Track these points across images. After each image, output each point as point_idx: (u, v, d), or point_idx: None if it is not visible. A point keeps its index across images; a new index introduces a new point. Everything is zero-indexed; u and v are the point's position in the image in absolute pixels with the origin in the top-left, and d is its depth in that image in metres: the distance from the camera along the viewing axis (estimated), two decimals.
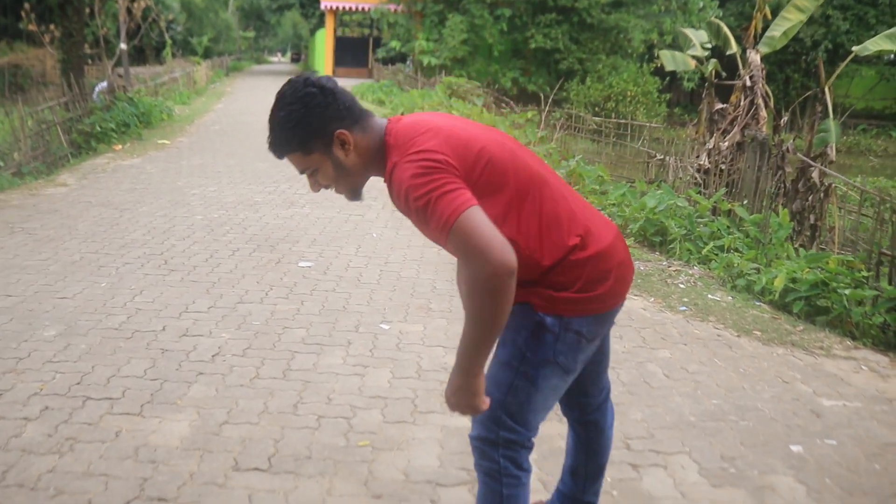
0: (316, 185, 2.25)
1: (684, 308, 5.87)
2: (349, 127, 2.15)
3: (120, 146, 14.10)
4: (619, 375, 4.52)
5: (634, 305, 5.86)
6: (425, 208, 1.98)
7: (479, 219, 1.94)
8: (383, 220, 8.43)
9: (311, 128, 2.11)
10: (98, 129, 14.74)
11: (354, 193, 2.29)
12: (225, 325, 5.03)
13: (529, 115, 16.05)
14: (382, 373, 4.39)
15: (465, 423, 3.78)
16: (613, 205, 9.20)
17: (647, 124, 14.21)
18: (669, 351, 4.97)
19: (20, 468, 3.26)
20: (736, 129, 9.84)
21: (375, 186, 9.80)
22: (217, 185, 10.26)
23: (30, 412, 3.77)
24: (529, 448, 2.34)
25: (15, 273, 5.98)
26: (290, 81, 2.16)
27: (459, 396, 2.11)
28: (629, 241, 7.96)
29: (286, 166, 9.11)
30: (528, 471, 2.34)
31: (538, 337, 2.22)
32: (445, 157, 2.04)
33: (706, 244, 7.47)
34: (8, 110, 14.74)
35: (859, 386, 4.60)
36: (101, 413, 3.78)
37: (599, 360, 2.57)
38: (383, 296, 5.78)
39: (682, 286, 6.45)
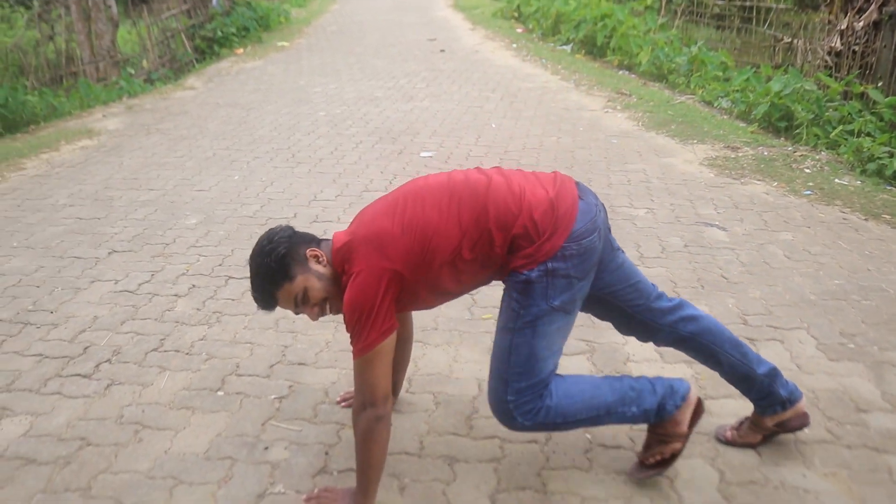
0: (314, 312, 2.44)
1: (809, 192, 5.75)
2: (316, 245, 2.44)
3: (241, 50, 14.46)
4: (739, 256, 4.53)
5: (756, 190, 5.78)
6: (353, 330, 2.27)
7: (380, 360, 2.26)
8: (502, 111, 8.48)
9: (285, 257, 2.36)
10: (220, 34, 15.14)
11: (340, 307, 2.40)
12: (352, 211, 5.26)
13: (648, 1, 15.48)
14: None
15: None
16: (737, 90, 8.94)
17: (774, 6, 13.49)
18: (792, 234, 4.92)
19: (175, 336, 3.60)
20: (872, 6, 9.29)
21: (493, 79, 9.82)
22: (337, 82, 10.48)
23: (179, 290, 4.12)
24: (542, 392, 2.39)
25: (154, 169, 6.38)
26: (257, 242, 2.45)
27: (347, 502, 2.42)
28: (752, 127, 7.78)
29: (403, 62, 9.27)
30: (545, 399, 2.40)
31: (528, 293, 2.31)
32: (379, 265, 2.26)
33: (835, 128, 7.21)
34: (134, 21, 15.29)
35: None
36: (243, 290, 4.09)
37: (624, 277, 2.56)
38: None
39: (807, 171, 6.30)
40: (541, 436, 2.82)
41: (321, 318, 2.51)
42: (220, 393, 3.12)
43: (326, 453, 2.73)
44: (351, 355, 2.29)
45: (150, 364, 3.35)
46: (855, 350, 3.47)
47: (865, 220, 5.21)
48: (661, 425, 2.50)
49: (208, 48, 14.86)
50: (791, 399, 2.64)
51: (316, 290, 2.38)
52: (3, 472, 2.65)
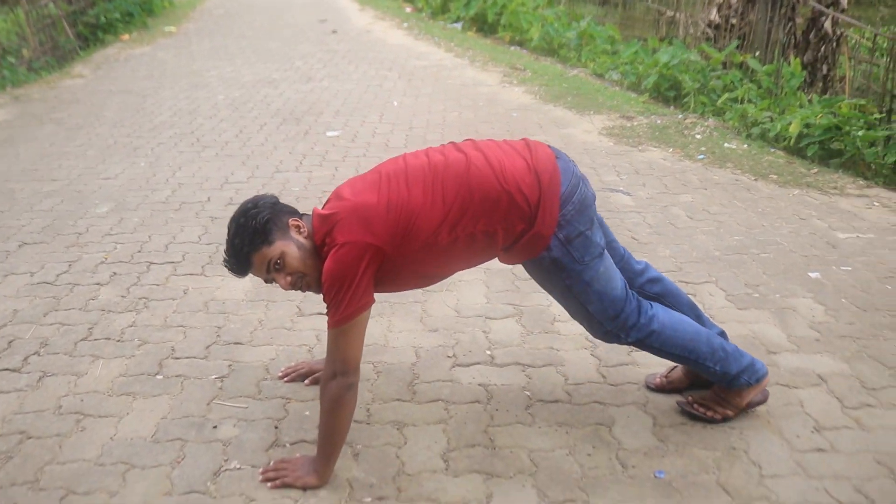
0: (286, 281, 2.45)
1: (702, 156, 6.06)
2: (298, 217, 2.48)
3: (127, 36, 14.03)
4: (646, 218, 4.77)
5: (654, 156, 6.06)
6: (330, 302, 2.33)
7: (355, 332, 2.34)
8: (401, 89, 8.56)
9: (268, 222, 2.38)
10: (103, 19, 14.62)
11: (318, 283, 2.46)
12: (266, 192, 5.25)
13: None
14: None
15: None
16: (626, 63, 9.27)
17: None
18: (691, 195, 5.20)
19: (103, 325, 3.57)
20: None
21: (388, 58, 9.86)
22: (232, 66, 10.33)
23: (100, 278, 4.06)
24: (636, 308, 2.61)
25: (55, 159, 6.21)
26: (240, 206, 2.47)
27: (304, 478, 2.47)
28: (643, 98, 8.10)
29: (297, 44, 9.25)
30: (648, 313, 2.62)
31: (560, 266, 2.47)
32: (361, 239, 2.31)
33: (720, 96, 7.59)
34: (11, 7, 14.62)
35: (872, 220, 4.83)
36: (167, 275, 4.07)
37: (603, 233, 2.68)
38: None
39: (698, 136, 6.62)
40: (482, 395, 2.95)
41: (284, 291, 2.56)
42: (158, 377, 3.12)
43: (276, 427, 2.79)
44: (286, 330, 2.37)
45: (82, 353, 3.32)
46: (760, 299, 3.74)
47: (755, 180, 5.54)
48: (728, 390, 2.73)
49: (92, 35, 14.33)
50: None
51: (292, 258, 2.40)
52: None
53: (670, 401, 2.90)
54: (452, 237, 2.39)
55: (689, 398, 2.83)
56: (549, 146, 2.55)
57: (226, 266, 2.48)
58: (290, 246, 2.40)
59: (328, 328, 2.36)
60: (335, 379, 2.36)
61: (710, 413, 2.76)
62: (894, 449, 2.62)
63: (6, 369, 3.20)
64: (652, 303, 2.69)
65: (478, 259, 2.56)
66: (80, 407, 2.93)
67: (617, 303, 2.56)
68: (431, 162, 2.45)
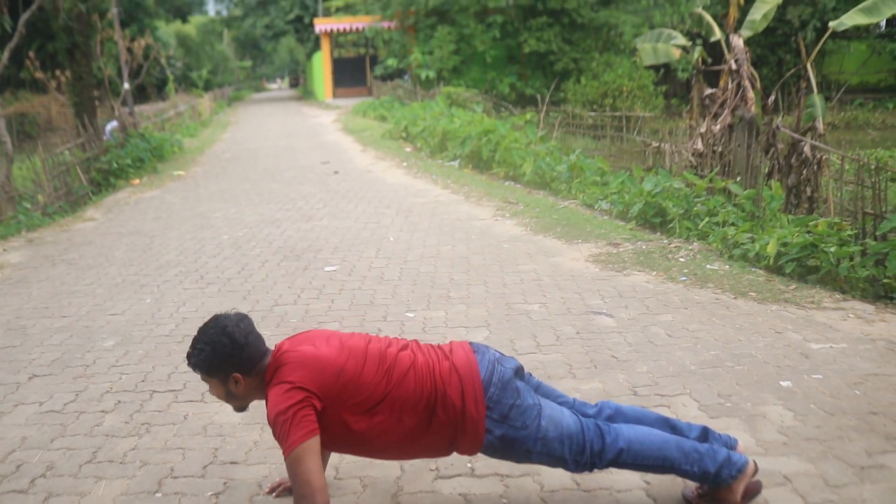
0: (214, 394, 2.91)
1: (684, 278, 6.33)
2: (245, 372, 2.80)
3: (138, 180, 14.66)
4: (626, 338, 4.99)
5: (638, 280, 6.32)
6: (278, 432, 2.65)
7: (308, 457, 2.60)
8: (398, 226, 8.94)
9: (213, 365, 2.78)
10: (115, 165, 15.33)
11: (241, 409, 3.00)
12: (265, 324, 5.53)
13: (528, 116, 16.53)
14: None
15: None
16: (614, 193, 9.68)
17: (642, 115, 14.64)
18: (671, 315, 5.44)
19: (107, 448, 3.77)
20: (726, 111, 10.29)
21: (387, 196, 10.29)
22: (237, 207, 10.80)
23: (105, 406, 4.28)
24: (596, 433, 2.88)
25: (65, 297, 6.52)
26: (215, 318, 2.84)
27: None
28: (630, 225, 8.44)
29: (299, 185, 9.75)
30: (612, 434, 2.89)
31: (509, 439, 2.81)
32: (302, 384, 2.68)
33: (703, 220, 7.93)
34: (28, 155, 15.34)
35: (846, 331, 5.04)
36: (168, 402, 4.29)
37: (544, 395, 3.05)
38: (405, 289, 6.28)
39: (682, 260, 6.91)
40: (462, 500, 3.11)
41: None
42: (158, 495, 3.31)
43: None
44: (280, 450, 2.62)
45: (86, 475, 3.51)
46: (731, 407, 3.92)
47: (735, 298, 5.78)
48: (718, 490, 2.91)
49: (104, 180, 15.00)
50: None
51: (218, 395, 2.88)
52: None
53: (639, 502, 3.06)
54: (385, 412, 2.75)
55: (693, 501, 3.01)
56: (469, 344, 2.97)
57: (188, 361, 2.83)
58: (220, 389, 2.85)
59: (284, 457, 2.63)
60: (303, 501, 2.56)
61: None
62: None
63: (14, 490, 3.40)
64: (611, 424, 2.92)
65: (422, 444, 2.86)
66: None
67: (576, 437, 2.84)
68: (387, 351, 2.85)
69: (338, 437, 2.78)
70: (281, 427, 2.61)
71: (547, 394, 3.05)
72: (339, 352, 2.78)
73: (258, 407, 4.03)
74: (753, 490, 2.96)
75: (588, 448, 2.82)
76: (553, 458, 2.84)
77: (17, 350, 5.27)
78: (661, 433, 2.94)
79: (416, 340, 3.02)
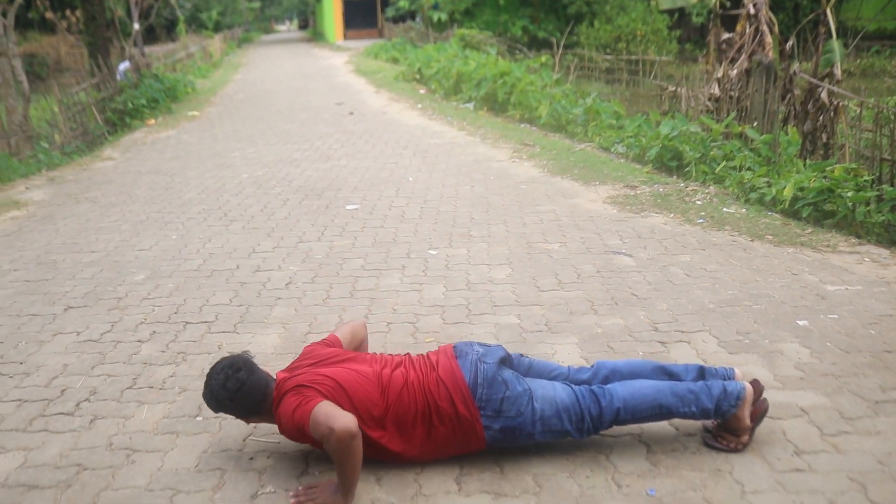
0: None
1: (701, 220, 6.40)
2: (251, 417, 3.04)
3: (153, 120, 14.70)
4: (645, 277, 5.10)
5: (656, 221, 6.40)
6: (294, 418, 2.82)
7: (321, 408, 2.75)
8: (416, 166, 9.01)
9: (223, 412, 3.03)
10: (130, 105, 15.36)
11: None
12: (291, 260, 5.66)
13: (543, 59, 16.43)
14: (437, 287, 5.01)
15: (513, 319, 4.39)
16: (630, 136, 9.70)
17: (658, 59, 14.55)
18: (689, 255, 5.53)
19: (146, 375, 3.91)
20: (743, 56, 10.24)
21: (403, 137, 10.34)
22: (254, 147, 10.87)
23: (141, 336, 4.42)
24: (591, 399, 3.00)
25: (92, 234, 6.64)
26: (207, 378, 3.01)
27: (331, 500, 2.81)
28: (647, 168, 8.49)
29: (314, 126, 9.84)
30: (606, 396, 3.01)
31: (509, 429, 2.94)
32: (308, 393, 2.87)
33: (720, 164, 7.97)
34: (43, 95, 15.36)
35: (861, 274, 5.13)
36: (202, 333, 4.43)
37: (538, 374, 3.19)
38: (427, 228, 6.38)
39: (698, 203, 6.97)
40: None
41: None
42: (198, 418, 3.45)
43: (306, 459, 3.10)
44: None
45: (128, 400, 3.65)
46: (749, 344, 4.03)
47: (751, 240, 5.86)
48: (725, 421, 3.04)
49: (119, 120, 15.04)
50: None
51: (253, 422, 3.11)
52: (10, 499, 2.93)
53: (664, 431, 3.19)
54: (386, 429, 2.93)
55: (713, 431, 3.13)
56: (453, 347, 3.14)
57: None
58: (251, 420, 3.08)
59: (306, 430, 2.81)
60: (331, 439, 2.68)
61: (731, 444, 3.05)
62: (867, 468, 2.89)
63: (61, 413, 3.55)
64: (605, 387, 3.05)
65: (433, 450, 2.99)
66: (130, 444, 3.26)
67: (572, 408, 2.98)
68: (382, 372, 3.00)
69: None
70: (297, 418, 2.81)
71: (540, 371, 3.20)
72: (336, 371, 2.97)
73: (289, 339, 4.20)
74: (760, 410, 3.06)
75: (587, 415, 2.96)
76: (556, 433, 2.98)
77: (50, 283, 5.41)
78: (654, 383, 3.06)
79: (408, 355, 3.18)
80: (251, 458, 3.12)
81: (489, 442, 2.96)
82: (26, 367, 4.08)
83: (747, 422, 3.03)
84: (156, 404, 3.60)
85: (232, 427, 3.36)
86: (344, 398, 2.86)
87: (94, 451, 3.21)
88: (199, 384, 3.74)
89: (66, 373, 3.98)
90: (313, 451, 3.14)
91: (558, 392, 3.00)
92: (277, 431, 3.01)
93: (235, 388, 2.90)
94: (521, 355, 3.26)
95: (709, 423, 3.19)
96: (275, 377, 3.06)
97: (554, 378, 3.17)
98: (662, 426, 3.23)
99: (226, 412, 3.00)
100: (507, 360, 3.12)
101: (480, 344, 3.15)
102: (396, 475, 2.96)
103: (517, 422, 2.92)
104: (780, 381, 3.62)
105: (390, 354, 3.20)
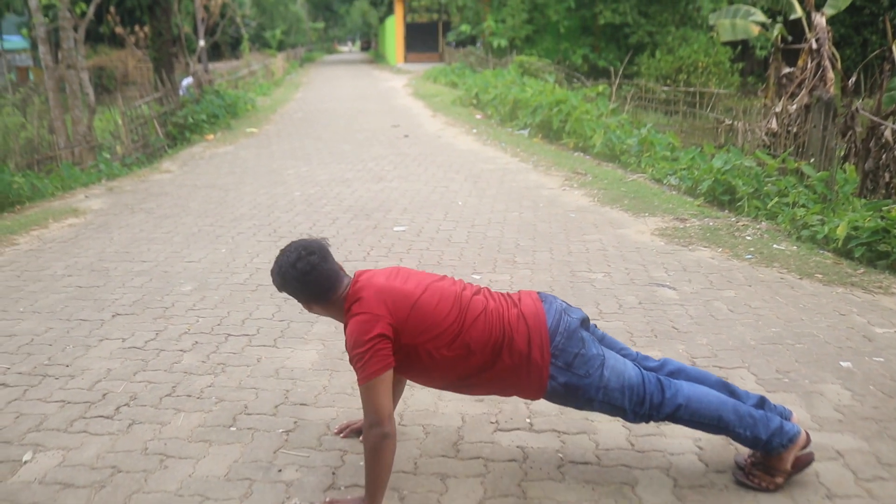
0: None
1: (750, 256, 6.32)
2: (319, 303, 2.97)
3: (212, 136, 15.02)
4: (688, 310, 5.05)
5: (703, 255, 6.34)
6: (356, 363, 2.77)
7: (381, 388, 2.73)
8: (467, 190, 9.05)
9: (286, 291, 2.99)
10: (190, 120, 15.74)
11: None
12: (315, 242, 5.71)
13: (600, 88, 16.43)
14: None
15: None
16: (684, 168, 9.63)
17: (716, 91, 14.44)
18: (734, 291, 5.46)
19: (185, 384, 3.99)
20: (804, 91, 10.14)
21: (456, 161, 10.40)
22: (308, 165, 11.03)
23: (183, 345, 4.52)
24: (657, 387, 2.97)
25: (144, 244, 6.80)
26: (287, 248, 3.00)
27: None
28: (698, 201, 8.42)
29: (370, 147, 9.97)
30: (672, 389, 2.97)
31: (572, 386, 2.91)
32: (380, 314, 2.80)
33: (773, 200, 7.87)
34: (107, 107, 15.80)
35: None
36: (242, 345, 4.50)
37: (607, 346, 3.15)
38: (472, 252, 6.41)
39: (748, 238, 6.89)
40: (519, 455, 3.25)
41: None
42: (232, 429, 3.51)
43: (333, 473, 3.13)
44: (347, 395, 2.78)
45: (166, 407, 3.74)
46: (789, 383, 3.97)
47: (800, 278, 5.77)
48: (769, 458, 2.99)
49: (179, 134, 15.41)
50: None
51: (315, 311, 3.05)
52: (45, 495, 3.01)
53: (693, 466, 3.16)
54: (454, 349, 2.86)
55: (746, 468, 3.08)
56: (537, 293, 3.08)
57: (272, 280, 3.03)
58: (313, 308, 3.02)
59: (358, 385, 2.77)
60: (371, 429, 2.71)
61: (763, 483, 3.00)
62: None
63: (100, 416, 3.64)
64: (672, 380, 3.00)
65: (485, 382, 2.97)
66: (164, 449, 3.33)
67: (636, 389, 2.93)
68: (462, 293, 2.97)
69: (410, 366, 2.91)
70: (358, 358, 2.73)
71: (611, 345, 3.15)
72: (415, 287, 2.91)
73: (327, 356, 4.25)
74: (804, 461, 3.02)
75: (648, 400, 2.92)
76: (613, 408, 2.94)
77: (100, 290, 5.55)
78: (719, 394, 3.01)
79: (487, 287, 3.12)
80: (280, 470, 3.16)
81: (547, 392, 2.93)
82: (72, 369, 4.20)
83: (789, 466, 2.98)
84: (192, 413, 3.67)
85: (263, 438, 3.42)
86: (416, 319, 2.83)
87: (129, 455, 3.29)
88: (236, 395, 3.84)
89: (109, 377, 4.08)
90: (342, 466, 3.18)
91: (628, 369, 2.96)
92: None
93: (306, 270, 2.87)
94: (595, 326, 3.20)
95: (741, 459, 3.14)
96: (352, 275, 3.03)
97: (623, 356, 3.12)
98: (692, 461, 3.19)
99: (289, 292, 2.96)
100: (586, 323, 3.08)
101: (563, 301, 3.12)
102: (420, 496, 2.97)
103: (583, 382, 2.88)
104: (817, 421, 3.56)
105: (469, 282, 3.15)
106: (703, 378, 3.17)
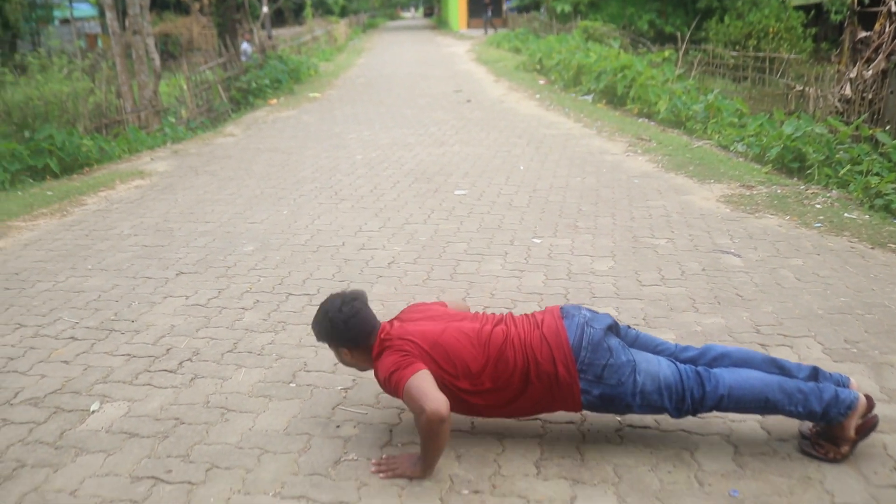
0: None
1: (819, 224, 6.15)
2: (351, 347, 3.02)
3: (275, 100, 15.14)
4: (753, 278, 4.93)
5: (770, 223, 6.19)
6: (391, 385, 2.83)
7: (416, 382, 2.74)
8: (529, 155, 8.98)
9: (322, 338, 3.05)
10: (254, 85, 15.88)
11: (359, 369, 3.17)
12: (395, 240, 5.74)
13: (666, 53, 16.09)
14: (537, 275, 4.99)
15: (611, 311, 4.34)
16: (752, 135, 9.40)
17: (787, 57, 14.03)
18: (802, 259, 5.32)
19: (246, 341, 4.05)
20: (880, 56, 9.76)
21: (519, 126, 10.32)
22: (370, 130, 11.06)
23: (245, 304, 4.58)
24: (696, 381, 2.90)
25: (208, 205, 6.90)
26: (327, 300, 3.05)
27: (410, 471, 2.87)
28: (766, 168, 8.21)
29: (432, 112, 9.91)
30: (712, 381, 2.91)
31: (607, 397, 2.87)
32: (407, 350, 2.88)
33: (845, 168, 7.63)
34: (173, 72, 16.02)
35: None
36: (303, 305, 4.55)
37: (643, 346, 3.09)
38: (533, 217, 6.36)
39: (818, 206, 6.70)
40: (577, 418, 3.22)
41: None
42: (292, 385, 3.56)
43: (390, 431, 3.15)
44: None
45: (227, 363, 3.80)
46: (857, 353, 3.85)
47: (872, 248, 5.59)
48: (829, 428, 2.93)
49: (243, 98, 15.57)
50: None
51: (340, 362, 3.13)
52: (113, 443, 3.10)
53: (755, 434, 3.10)
54: (488, 383, 2.90)
55: (811, 438, 3.01)
56: (560, 308, 3.07)
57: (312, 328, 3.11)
58: (335, 354, 3.10)
59: (402, 399, 2.82)
60: (421, 417, 2.70)
61: (830, 454, 2.93)
62: None
63: (164, 370, 3.72)
64: (711, 369, 2.94)
65: (523, 407, 2.97)
66: (225, 403, 3.39)
67: (675, 387, 2.88)
68: (483, 329, 2.97)
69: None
70: (393, 381, 2.80)
71: (645, 344, 3.10)
72: (436, 325, 2.97)
73: (387, 317, 4.25)
74: (868, 425, 2.92)
75: (688, 396, 2.87)
76: (654, 409, 2.91)
77: (165, 249, 5.66)
78: (764, 376, 2.93)
79: (510, 314, 3.12)
80: (338, 426, 3.19)
81: (585, 406, 2.92)
82: (137, 325, 4.29)
83: (852, 433, 2.90)
84: (253, 368, 3.73)
85: (322, 395, 3.45)
86: (442, 354, 2.87)
87: (191, 408, 3.36)
88: (296, 352, 3.88)
89: (172, 333, 4.17)
90: (399, 424, 3.19)
91: (662, 368, 2.92)
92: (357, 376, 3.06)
93: (350, 314, 2.95)
94: (629, 327, 3.17)
95: (806, 429, 3.07)
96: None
97: (659, 353, 3.08)
98: (754, 428, 3.13)
99: (328, 339, 3.02)
100: (614, 329, 3.03)
101: (589, 309, 3.08)
102: (477, 453, 2.98)
103: (617, 391, 2.85)
104: (886, 393, 3.45)
105: (492, 314, 3.17)
106: (749, 359, 3.09)
